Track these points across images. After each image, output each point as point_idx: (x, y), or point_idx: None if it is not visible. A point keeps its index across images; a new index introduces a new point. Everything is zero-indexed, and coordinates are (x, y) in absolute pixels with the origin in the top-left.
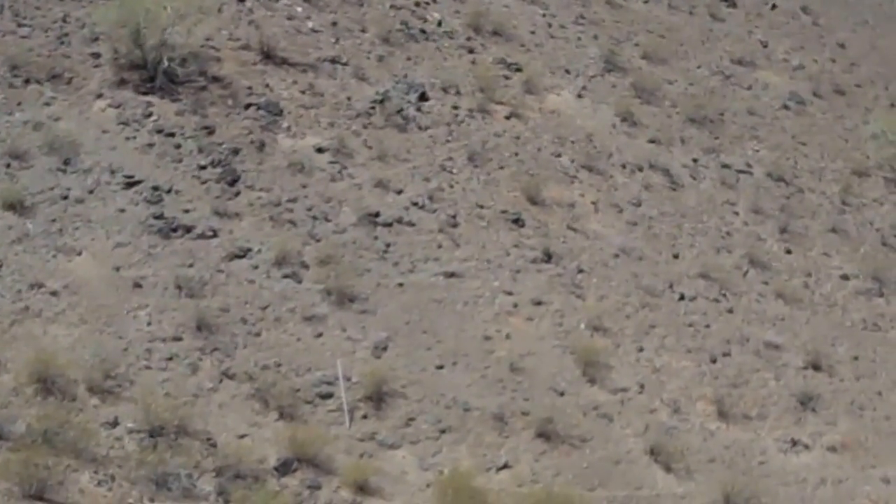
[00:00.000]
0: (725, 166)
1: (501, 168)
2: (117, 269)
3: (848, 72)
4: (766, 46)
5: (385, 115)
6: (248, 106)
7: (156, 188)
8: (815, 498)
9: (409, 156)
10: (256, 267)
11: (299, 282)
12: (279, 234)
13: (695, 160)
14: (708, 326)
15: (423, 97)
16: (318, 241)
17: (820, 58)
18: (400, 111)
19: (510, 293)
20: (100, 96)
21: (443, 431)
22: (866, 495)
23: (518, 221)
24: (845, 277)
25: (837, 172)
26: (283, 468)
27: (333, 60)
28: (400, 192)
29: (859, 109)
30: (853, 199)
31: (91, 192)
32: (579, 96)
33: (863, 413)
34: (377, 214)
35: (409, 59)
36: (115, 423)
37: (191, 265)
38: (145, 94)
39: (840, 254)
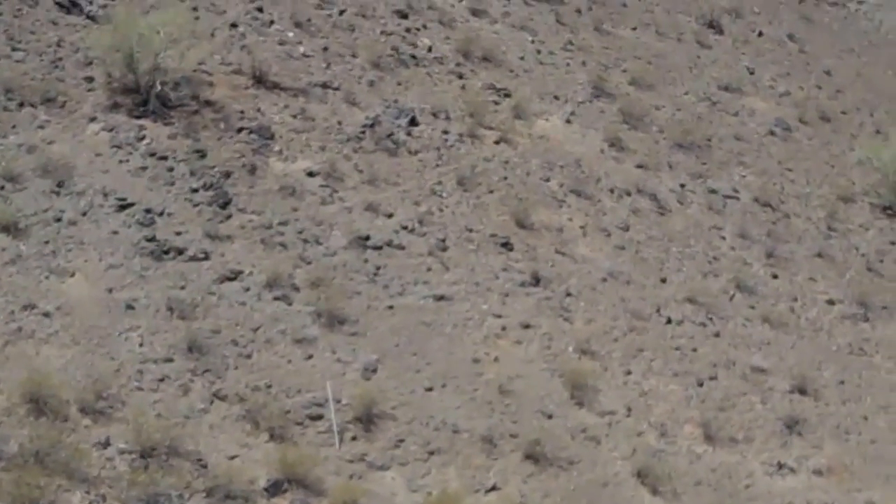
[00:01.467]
0: (712, 191)
1: (490, 192)
2: (110, 290)
3: (834, 99)
4: (752, 73)
5: (375, 139)
6: (239, 130)
7: (148, 211)
8: None
9: (399, 180)
10: (248, 289)
11: (290, 304)
12: (270, 257)
13: (682, 185)
14: (695, 350)
15: (413, 122)
16: (308, 263)
17: (806, 85)
18: (390, 136)
19: (499, 316)
20: (93, 120)
21: (432, 453)
22: None
23: (507, 245)
24: (831, 302)
25: (823, 198)
26: (273, 489)
27: (324, 85)
28: (390, 215)
29: (845, 136)
30: (839, 224)
31: (84, 214)
32: (568, 122)
33: (848, 437)
34: (367, 238)
35: (399, 84)
36: (106, 444)
37: (182, 287)
38: (138, 117)
39: (826, 279)
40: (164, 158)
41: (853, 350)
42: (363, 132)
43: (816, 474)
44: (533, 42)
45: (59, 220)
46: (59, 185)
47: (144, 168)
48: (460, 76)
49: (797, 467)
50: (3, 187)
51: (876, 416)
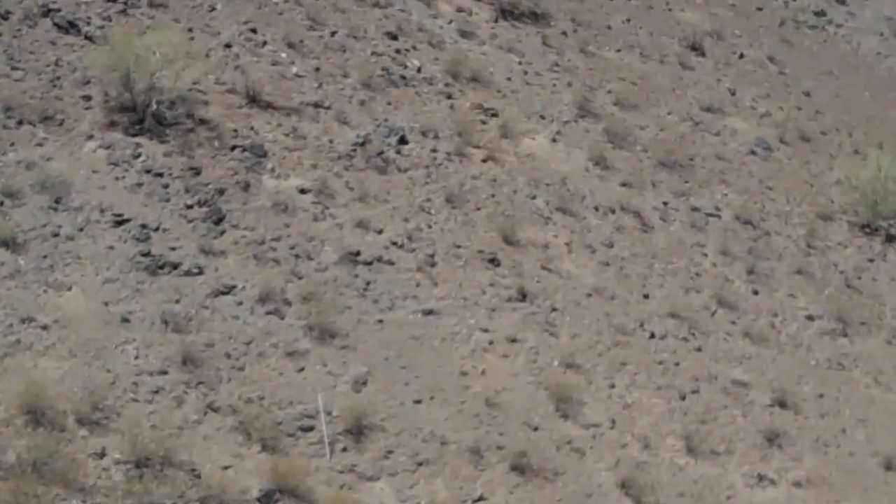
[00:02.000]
0: (695, 209)
1: (478, 209)
2: (106, 304)
3: (813, 119)
4: (734, 94)
5: (366, 157)
6: (233, 148)
7: (144, 226)
8: None
9: (388, 197)
10: (241, 303)
11: (282, 318)
12: (263, 272)
13: (665, 203)
14: (677, 364)
15: (402, 140)
16: (300, 278)
17: (786, 106)
18: (380, 154)
19: (486, 330)
20: (90, 137)
21: (420, 464)
22: None
23: (494, 261)
24: (810, 318)
25: (803, 216)
26: (265, 499)
27: (316, 105)
28: (380, 231)
29: (824, 156)
30: (818, 242)
31: (81, 229)
32: (554, 140)
33: (827, 450)
34: (358, 253)
35: (389, 103)
36: (102, 454)
37: (177, 301)
38: (134, 135)
39: (805, 295)
40: (160, 175)
41: (832, 365)
42: (354, 150)
43: (796, 486)
44: (520, 63)
45: (56, 235)
46: (57, 201)
47: (140, 185)
48: (449, 96)
49: (777, 479)
50: (2, 203)
51: (854, 430)
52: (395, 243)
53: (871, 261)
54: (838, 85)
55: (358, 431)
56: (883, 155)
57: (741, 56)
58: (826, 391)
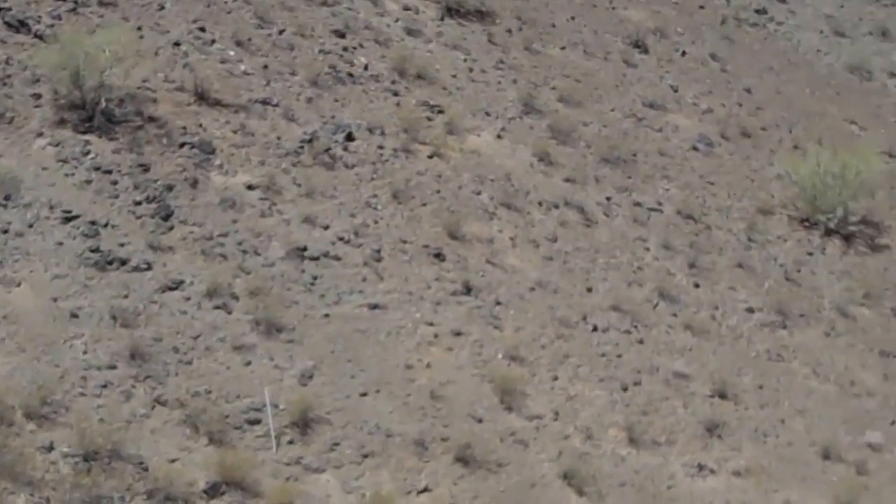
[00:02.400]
0: (637, 204)
1: (424, 205)
2: (55, 299)
3: (754, 115)
4: (676, 91)
5: (313, 154)
6: (182, 145)
7: (93, 223)
8: None
9: (335, 193)
10: (188, 298)
11: (229, 313)
12: (210, 267)
13: (608, 198)
14: (620, 356)
15: (349, 137)
16: (247, 273)
17: (727, 102)
18: (327, 150)
19: (431, 324)
20: (40, 135)
21: (365, 456)
22: None
23: (439, 256)
24: (750, 310)
25: (744, 211)
26: (212, 491)
27: (264, 102)
28: (327, 227)
29: (764, 151)
30: (758, 236)
31: (30, 226)
32: (499, 137)
33: (766, 439)
34: (305, 249)
35: (336, 100)
36: (50, 448)
37: (125, 296)
38: (84, 133)
39: (746, 288)
40: (109, 172)
41: (771, 356)
42: (301, 147)
43: (736, 475)
44: (465, 61)
45: (5, 231)
46: (7, 198)
47: (89, 181)
48: (395, 93)
49: (717, 469)
50: None
51: (793, 420)
52: (341, 238)
53: (810, 254)
54: (779, 82)
55: (304, 424)
56: (822, 150)
57: (683, 53)
58: (765, 382)
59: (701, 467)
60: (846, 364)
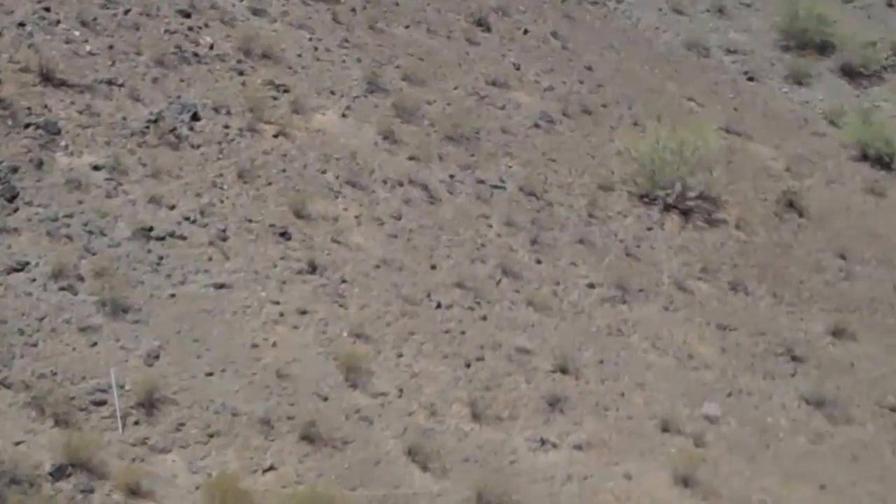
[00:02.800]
0: (480, 182)
1: (269, 184)
2: None
3: (594, 93)
4: (518, 69)
5: (159, 134)
6: (27, 126)
7: None
8: (563, 493)
9: (181, 173)
10: (34, 280)
11: (75, 294)
12: (56, 249)
13: (452, 176)
14: (463, 333)
15: (195, 117)
16: (93, 254)
17: (568, 80)
18: (173, 130)
19: (277, 303)
20: None
21: (211, 436)
22: (610, 490)
23: (285, 235)
24: (591, 286)
25: (584, 187)
26: (58, 473)
27: (110, 82)
28: (172, 207)
29: (605, 128)
30: (599, 212)
31: None
32: (343, 116)
33: (607, 413)
34: (150, 229)
35: (182, 80)
36: None
37: None
38: None
39: (586, 264)
40: None
41: (612, 331)
42: (147, 127)
43: (577, 449)
44: (310, 40)
45: None
46: None
47: None
48: (241, 73)
49: (559, 443)
50: None
51: (633, 394)
52: (187, 219)
53: (649, 229)
54: (619, 59)
55: (150, 405)
56: (661, 127)
57: (525, 32)
58: (606, 357)
59: (543, 441)
60: (684, 338)
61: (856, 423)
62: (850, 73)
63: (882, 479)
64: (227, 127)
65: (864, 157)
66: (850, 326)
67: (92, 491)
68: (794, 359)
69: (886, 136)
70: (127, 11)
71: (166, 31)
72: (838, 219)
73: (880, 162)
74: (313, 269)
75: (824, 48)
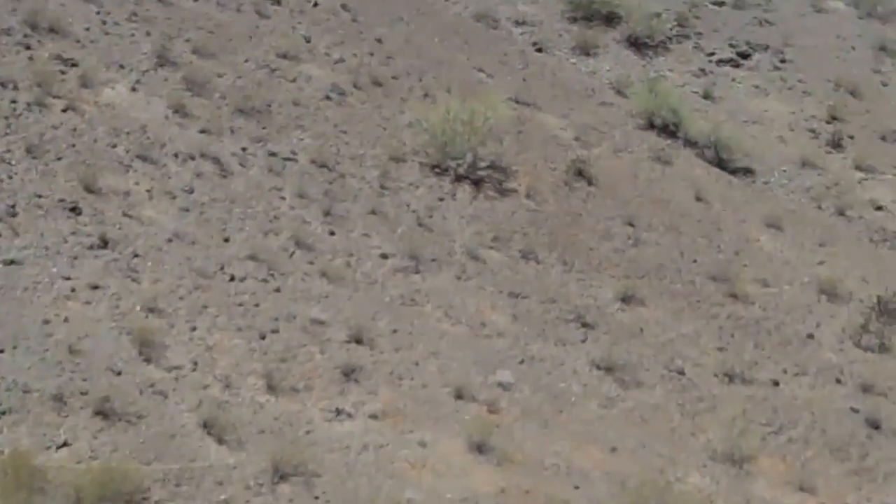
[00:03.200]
0: (273, 154)
1: (59, 159)
2: None
3: (385, 65)
4: (309, 41)
5: None
6: None
7: None
8: (358, 462)
9: None
10: None
11: None
12: None
13: (244, 149)
14: (257, 305)
15: None
16: None
17: (359, 52)
18: None
19: (68, 278)
20: None
21: (3, 413)
22: (405, 458)
23: (76, 210)
24: (384, 256)
25: (376, 158)
26: None
27: None
28: None
29: (396, 100)
30: (391, 183)
31: None
32: (133, 90)
33: (402, 382)
34: None
35: None
36: None
37: None
38: None
39: (379, 234)
40: None
41: (405, 301)
42: None
43: (372, 418)
44: (98, 13)
45: None
46: None
47: None
48: (28, 47)
49: (354, 413)
50: None
51: (426, 362)
52: None
53: (441, 200)
54: (409, 31)
55: None
56: (451, 98)
57: (315, 4)
58: (400, 326)
59: (339, 412)
60: (477, 306)
61: (645, 386)
62: (636, 44)
63: (671, 441)
64: (14, 102)
65: (651, 126)
66: (638, 292)
67: None
68: (584, 325)
69: (672, 105)
70: None
71: None
72: (626, 187)
73: (666, 130)
74: (105, 243)
75: (611, 19)
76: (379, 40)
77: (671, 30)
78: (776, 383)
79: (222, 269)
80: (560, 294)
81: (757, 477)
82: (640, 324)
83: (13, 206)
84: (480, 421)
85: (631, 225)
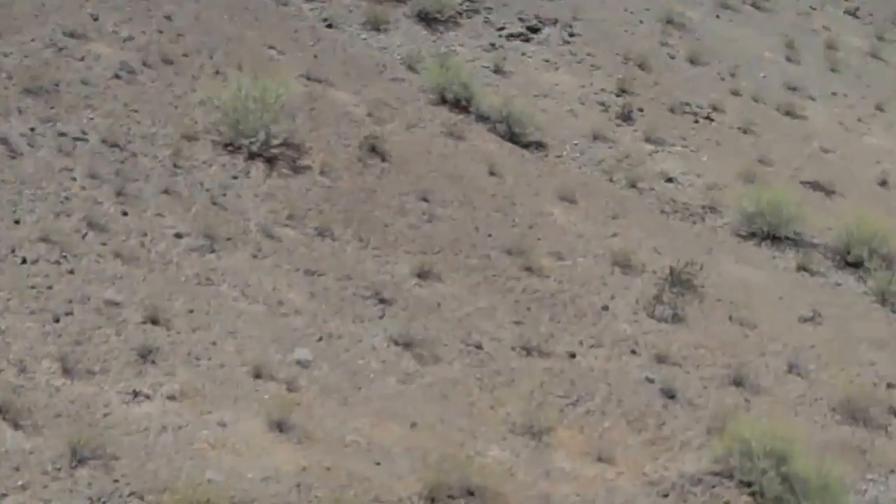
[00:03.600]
0: (62, 134)
1: None
2: None
3: (175, 42)
4: (96, 20)
5: None
6: None
7: None
8: (158, 444)
9: None
10: None
11: None
12: None
13: (32, 129)
14: (50, 288)
15: None
16: None
17: (148, 29)
18: None
19: None
20: None
21: None
22: (205, 439)
23: None
24: (179, 236)
25: (168, 137)
26: None
27: None
28: None
29: (187, 78)
30: (184, 161)
31: None
32: None
33: (199, 363)
34: None
35: None
36: None
37: None
38: None
39: (173, 214)
40: None
41: (201, 280)
42: None
43: (171, 399)
44: None
45: None
46: None
47: None
48: None
49: (152, 394)
50: None
51: (224, 342)
52: None
53: (235, 178)
54: (198, 8)
55: None
56: (242, 75)
57: None
58: (196, 306)
59: (136, 393)
60: (274, 285)
61: (444, 361)
62: (427, 19)
63: (470, 415)
64: None
65: (443, 101)
66: (434, 267)
67: None
68: (381, 301)
69: (463, 79)
70: None
71: None
72: (420, 163)
73: (458, 105)
74: None
75: None
76: (168, 17)
77: (461, 5)
78: (573, 355)
79: (13, 251)
80: (356, 271)
81: (556, 448)
82: (437, 299)
83: None
84: (280, 399)
85: (425, 200)
